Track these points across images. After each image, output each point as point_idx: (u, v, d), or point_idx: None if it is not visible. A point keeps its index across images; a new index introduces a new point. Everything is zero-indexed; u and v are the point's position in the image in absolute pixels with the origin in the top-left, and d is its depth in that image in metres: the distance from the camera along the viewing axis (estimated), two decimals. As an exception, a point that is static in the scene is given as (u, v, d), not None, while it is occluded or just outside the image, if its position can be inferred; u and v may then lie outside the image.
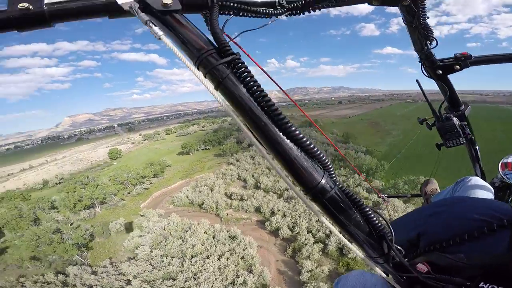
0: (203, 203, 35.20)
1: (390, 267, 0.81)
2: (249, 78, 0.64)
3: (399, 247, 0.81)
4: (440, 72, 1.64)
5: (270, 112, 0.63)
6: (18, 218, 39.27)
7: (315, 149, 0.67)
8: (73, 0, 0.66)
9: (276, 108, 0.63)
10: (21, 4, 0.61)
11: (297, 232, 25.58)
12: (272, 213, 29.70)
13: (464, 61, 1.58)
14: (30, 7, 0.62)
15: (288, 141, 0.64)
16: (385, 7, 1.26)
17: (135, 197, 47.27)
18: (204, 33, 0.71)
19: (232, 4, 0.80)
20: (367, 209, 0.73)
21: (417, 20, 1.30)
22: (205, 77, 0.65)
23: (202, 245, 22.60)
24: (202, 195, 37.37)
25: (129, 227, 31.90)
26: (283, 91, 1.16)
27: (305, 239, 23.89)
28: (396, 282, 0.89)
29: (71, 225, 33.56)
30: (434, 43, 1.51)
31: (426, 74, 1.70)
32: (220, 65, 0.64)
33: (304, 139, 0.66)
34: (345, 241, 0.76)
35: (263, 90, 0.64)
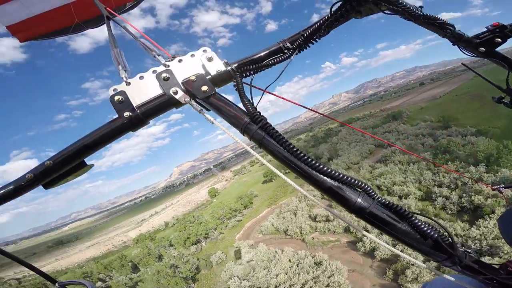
0: (287, 229, 34.51)
1: (460, 269, 0.81)
2: (277, 135, 0.80)
3: (468, 249, 0.82)
4: (483, 49, 1.44)
5: (300, 158, 0.77)
6: (147, 255, 48.60)
7: (344, 177, 0.77)
8: (150, 101, 0.87)
9: (304, 154, 0.78)
10: (125, 113, 0.84)
11: (400, 250, 21.10)
12: (366, 232, 25.92)
13: (501, 32, 1.36)
14: (130, 114, 0.85)
15: (320, 175, 0.76)
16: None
17: (231, 230, 50.90)
18: (239, 103, 0.89)
19: (248, 67, 0.95)
20: (412, 217, 0.77)
21: (410, 16, 1.20)
22: (250, 140, 0.85)
23: (286, 274, 21.70)
24: (286, 221, 36.96)
25: (225, 259, 34.26)
26: (311, 110, 1.42)
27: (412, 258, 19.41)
28: (484, 285, 0.87)
29: (183, 260, 38.88)
30: (451, 28, 1.37)
31: (469, 54, 1.52)
32: (256, 131, 0.82)
33: (333, 172, 0.77)
34: (396, 251, 0.85)
35: (291, 143, 0.80)
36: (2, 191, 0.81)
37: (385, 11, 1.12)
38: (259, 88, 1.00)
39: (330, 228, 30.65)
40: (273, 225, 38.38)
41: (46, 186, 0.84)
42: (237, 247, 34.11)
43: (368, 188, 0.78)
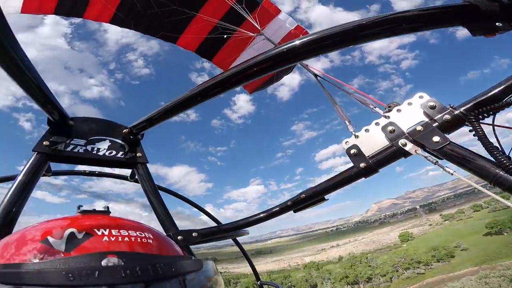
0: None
1: None
2: None
3: None
4: None
5: None
6: (304, 281, 48.96)
7: None
8: (380, 152, 0.96)
9: None
10: (361, 164, 0.96)
11: None
12: None
13: None
14: (365, 164, 0.96)
15: None
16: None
17: (403, 281, 41.49)
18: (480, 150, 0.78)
19: (486, 108, 0.81)
20: None
21: None
22: (504, 191, 0.73)
23: None
24: (488, 287, 23.16)
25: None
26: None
27: None
28: None
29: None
30: None
31: None
32: None
33: None
34: None
35: None
36: (273, 210, 1.10)
37: None
38: (508, 128, 0.84)
39: None
40: (463, 289, 25.94)
41: (295, 211, 1.08)
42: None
43: None
